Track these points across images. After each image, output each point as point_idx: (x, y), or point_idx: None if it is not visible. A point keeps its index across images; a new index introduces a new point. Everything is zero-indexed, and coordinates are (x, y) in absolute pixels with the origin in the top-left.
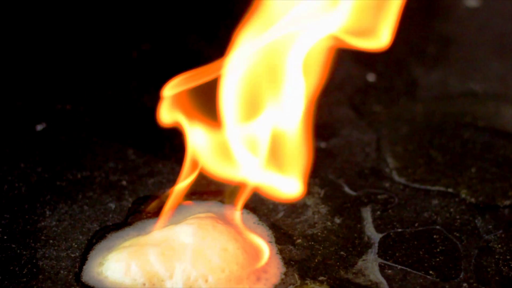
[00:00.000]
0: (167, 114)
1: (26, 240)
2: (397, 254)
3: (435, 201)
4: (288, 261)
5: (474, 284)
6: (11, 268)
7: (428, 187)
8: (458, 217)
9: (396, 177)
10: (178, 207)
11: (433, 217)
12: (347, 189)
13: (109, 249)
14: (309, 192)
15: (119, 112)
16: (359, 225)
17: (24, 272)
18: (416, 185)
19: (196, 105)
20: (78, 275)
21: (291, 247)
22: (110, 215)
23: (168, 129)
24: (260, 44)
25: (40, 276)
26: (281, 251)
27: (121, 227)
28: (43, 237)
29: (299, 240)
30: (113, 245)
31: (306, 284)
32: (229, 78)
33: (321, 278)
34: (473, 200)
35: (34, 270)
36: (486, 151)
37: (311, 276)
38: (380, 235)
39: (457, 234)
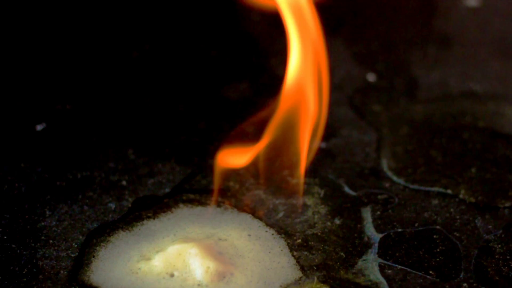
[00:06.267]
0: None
1: (26, 240)
2: (397, 254)
3: (435, 201)
4: (288, 261)
5: (474, 284)
6: (11, 268)
7: (428, 187)
8: (458, 217)
9: (396, 177)
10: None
11: (433, 217)
12: (347, 189)
13: (110, 249)
14: (309, 192)
15: (119, 112)
16: (359, 225)
17: (24, 272)
18: (416, 185)
19: None
20: (78, 275)
21: (291, 247)
22: (110, 215)
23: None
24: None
25: (40, 276)
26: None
27: (121, 227)
28: (43, 237)
29: (299, 240)
30: (113, 245)
31: (306, 284)
32: None
33: (321, 278)
34: (473, 200)
35: (34, 270)
36: (486, 151)
37: (311, 276)
38: (380, 235)
39: (457, 234)
